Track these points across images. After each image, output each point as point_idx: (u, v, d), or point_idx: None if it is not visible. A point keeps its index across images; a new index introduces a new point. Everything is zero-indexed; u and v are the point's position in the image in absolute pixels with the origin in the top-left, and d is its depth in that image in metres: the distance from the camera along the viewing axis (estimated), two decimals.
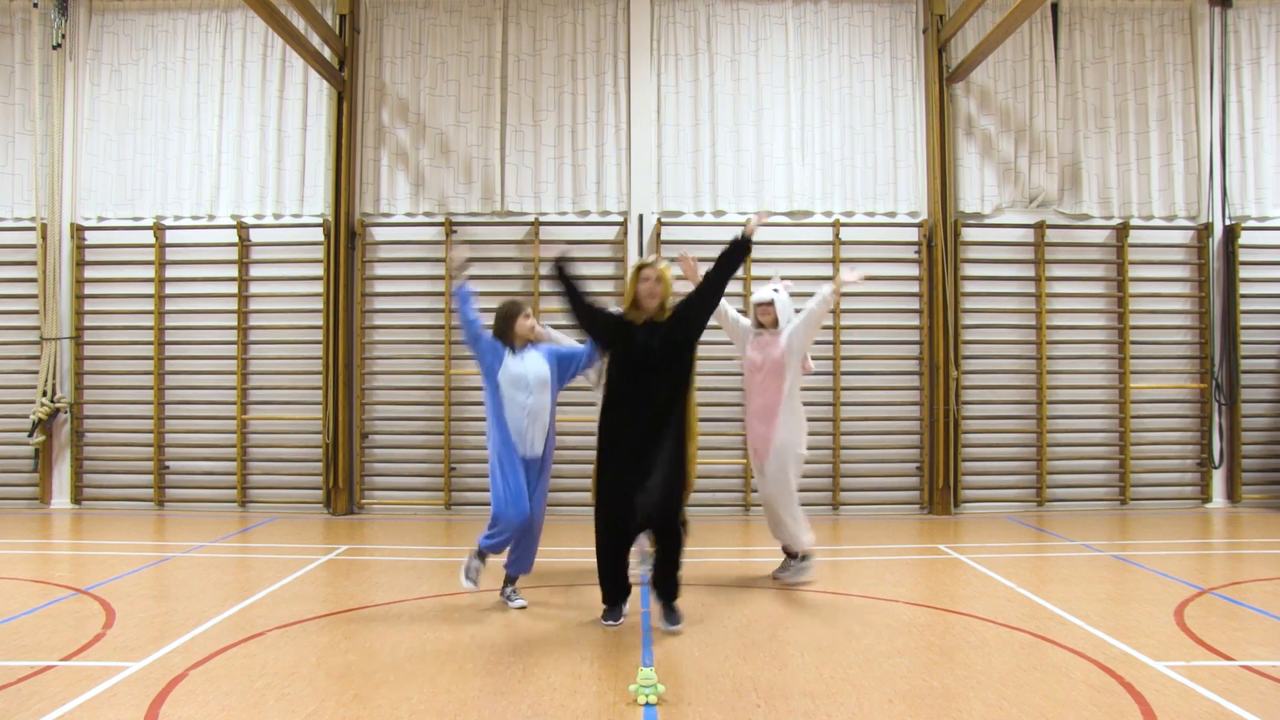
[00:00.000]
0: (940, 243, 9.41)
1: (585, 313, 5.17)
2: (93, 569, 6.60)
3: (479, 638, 4.73)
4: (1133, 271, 9.65)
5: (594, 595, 5.36)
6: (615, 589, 5.11)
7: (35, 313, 9.70)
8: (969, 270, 9.64)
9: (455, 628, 4.96)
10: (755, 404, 6.00)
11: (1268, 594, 5.74)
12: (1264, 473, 9.72)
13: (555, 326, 6.10)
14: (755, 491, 6.23)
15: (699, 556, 6.76)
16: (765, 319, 5.97)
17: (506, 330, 5.41)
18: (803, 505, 9.21)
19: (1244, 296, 9.68)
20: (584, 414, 8.86)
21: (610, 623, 5.03)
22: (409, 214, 9.66)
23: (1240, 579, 6.21)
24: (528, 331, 5.43)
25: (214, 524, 8.67)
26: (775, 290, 5.94)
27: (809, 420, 9.31)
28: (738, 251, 5.17)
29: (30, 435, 9.53)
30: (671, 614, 4.97)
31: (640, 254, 9.43)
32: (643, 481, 4.85)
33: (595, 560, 5.13)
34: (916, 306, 9.54)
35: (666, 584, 5.01)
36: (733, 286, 9.29)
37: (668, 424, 4.96)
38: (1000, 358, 9.65)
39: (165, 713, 3.66)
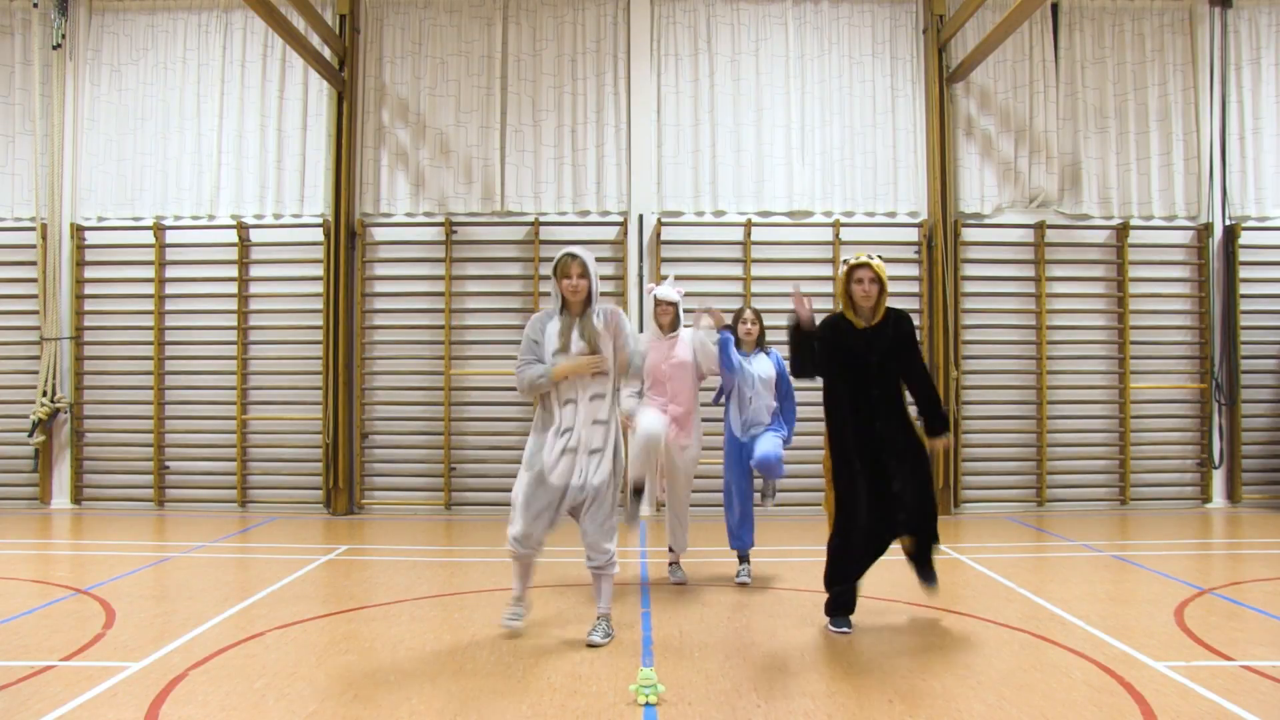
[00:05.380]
0: (940, 243, 9.41)
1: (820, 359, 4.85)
2: (93, 569, 6.60)
3: (479, 638, 4.73)
4: (1133, 271, 9.65)
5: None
6: (851, 602, 4.90)
7: (35, 313, 9.70)
8: (969, 270, 9.64)
9: (455, 628, 4.96)
10: (671, 411, 5.75)
11: (1268, 594, 5.74)
12: (1264, 473, 9.72)
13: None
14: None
15: (700, 557, 6.75)
16: (664, 319, 5.67)
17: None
18: (801, 507, 9.32)
19: (1244, 296, 9.68)
20: None
21: (847, 630, 4.82)
22: (409, 214, 9.66)
23: (1240, 579, 6.21)
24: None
25: (214, 524, 8.67)
26: (678, 291, 5.71)
27: (807, 421, 9.43)
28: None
29: (30, 435, 9.53)
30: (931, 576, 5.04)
31: (640, 254, 9.43)
32: (891, 489, 4.75)
33: (827, 569, 4.89)
34: (917, 306, 9.54)
35: (930, 566, 5.03)
36: (732, 287, 9.43)
37: (899, 425, 4.80)
38: (1000, 358, 9.65)
39: (165, 713, 3.66)
